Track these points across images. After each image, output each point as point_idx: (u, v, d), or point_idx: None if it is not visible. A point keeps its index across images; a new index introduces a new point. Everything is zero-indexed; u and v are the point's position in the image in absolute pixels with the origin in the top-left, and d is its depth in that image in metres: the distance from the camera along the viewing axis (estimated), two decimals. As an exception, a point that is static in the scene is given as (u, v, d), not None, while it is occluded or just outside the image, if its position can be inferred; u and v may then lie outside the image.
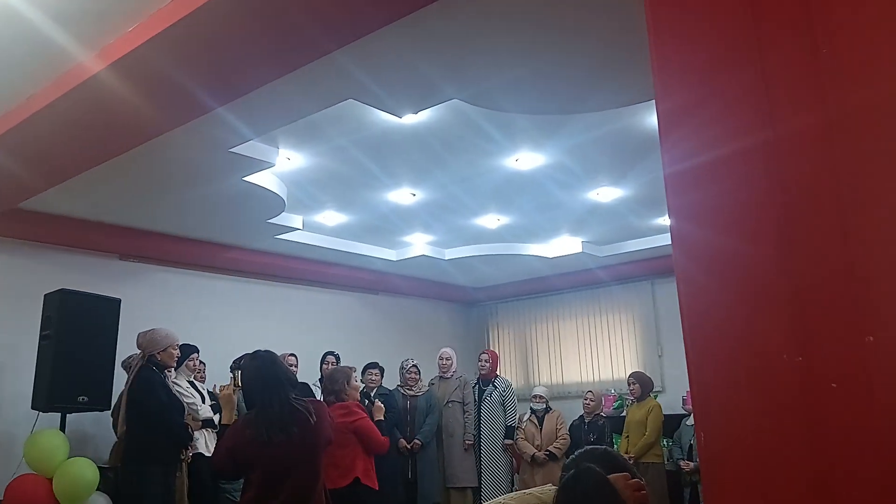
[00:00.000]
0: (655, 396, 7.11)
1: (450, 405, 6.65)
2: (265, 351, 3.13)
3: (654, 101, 4.01)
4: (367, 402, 5.21)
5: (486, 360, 6.88)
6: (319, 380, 6.34)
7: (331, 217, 6.35)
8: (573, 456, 1.74)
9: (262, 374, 3.00)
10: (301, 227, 6.37)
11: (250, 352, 5.68)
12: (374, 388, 6.18)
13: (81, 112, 3.41)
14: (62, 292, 4.88)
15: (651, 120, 4.45)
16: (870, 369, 1.09)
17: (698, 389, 1.30)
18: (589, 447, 1.77)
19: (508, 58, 3.37)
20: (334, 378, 4.21)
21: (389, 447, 4.57)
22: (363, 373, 6.17)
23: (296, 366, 6.04)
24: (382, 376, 6.38)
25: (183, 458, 4.61)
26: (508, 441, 6.65)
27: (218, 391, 4.17)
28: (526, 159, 5.04)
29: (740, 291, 1.26)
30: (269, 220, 5.94)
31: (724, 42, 1.39)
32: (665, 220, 6.81)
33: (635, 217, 6.64)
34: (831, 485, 1.09)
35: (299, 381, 4.06)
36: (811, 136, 1.23)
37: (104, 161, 4.02)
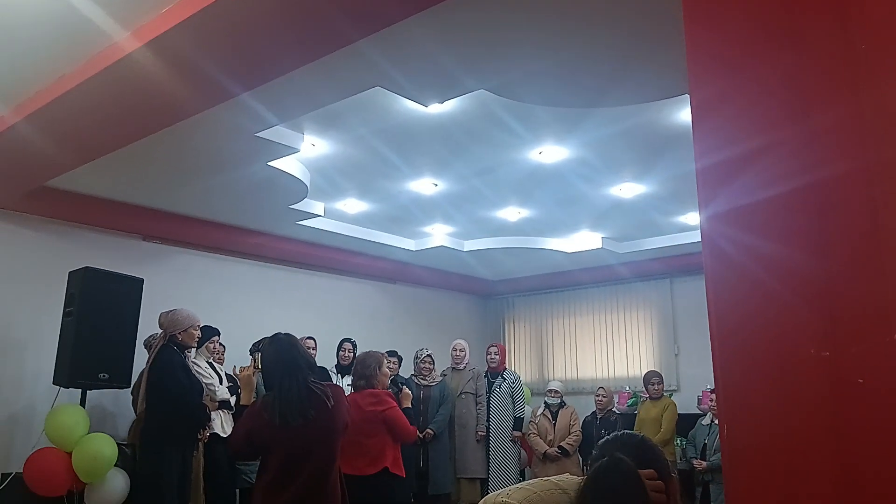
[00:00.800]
0: (670, 395, 7.10)
1: (462, 396, 6.67)
2: (285, 334, 3.14)
3: (679, 97, 3.99)
4: (394, 389, 5.22)
5: (494, 354, 6.92)
6: (336, 366, 6.39)
7: (352, 205, 6.37)
8: (606, 439, 1.67)
9: (281, 356, 3.02)
10: (322, 214, 6.41)
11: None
12: (391, 376, 6.21)
13: (114, 91, 3.45)
14: (86, 270, 4.94)
15: (676, 116, 4.42)
16: (897, 365, 1.09)
17: (723, 381, 1.30)
18: (626, 432, 1.70)
19: (534, 48, 3.36)
20: (366, 363, 4.16)
21: None
22: (381, 361, 6.20)
23: (314, 349, 6.08)
24: (400, 365, 6.42)
25: (200, 437, 4.67)
26: (517, 433, 6.69)
27: (237, 373, 4.21)
28: (550, 152, 5.03)
29: (769, 286, 1.26)
30: (292, 206, 5.97)
31: (760, 33, 1.38)
32: (686, 218, 6.77)
33: (657, 214, 6.61)
34: (856, 478, 1.09)
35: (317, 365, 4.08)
36: (845, 130, 1.22)
37: (134, 140, 4.07)
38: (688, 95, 3.95)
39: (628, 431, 1.73)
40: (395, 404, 4.19)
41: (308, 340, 6.02)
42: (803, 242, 1.24)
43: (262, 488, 3.04)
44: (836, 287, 1.17)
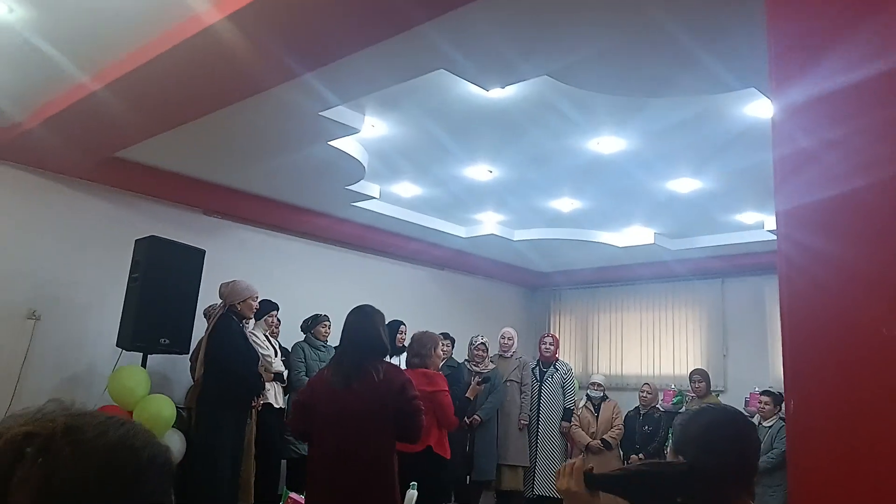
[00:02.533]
0: (717, 395, 7.03)
1: (507, 384, 6.71)
2: (370, 307, 3.21)
3: (743, 91, 3.93)
4: (446, 371, 5.26)
5: (549, 343, 6.97)
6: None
7: (406, 189, 6.45)
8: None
9: (353, 325, 3.13)
10: (378, 197, 6.50)
11: (320, 313, 5.88)
12: (444, 359, 6.29)
13: (193, 62, 3.57)
14: (151, 239, 5.13)
15: (739, 111, 4.37)
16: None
17: (792, 359, 1.32)
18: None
19: (596, 31, 3.33)
20: (423, 342, 4.25)
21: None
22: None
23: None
24: (452, 348, 6.51)
25: (254, 405, 4.82)
26: (566, 423, 6.72)
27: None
28: (607, 143, 5.02)
29: (841, 261, 1.27)
30: (348, 187, 6.08)
31: (843, 18, 1.39)
32: (743, 217, 6.67)
33: (712, 211, 6.53)
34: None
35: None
36: None
37: (208, 112, 4.19)
38: (753, 90, 3.93)
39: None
40: (447, 388, 4.27)
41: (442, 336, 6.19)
42: (880, 229, 1.24)
43: (311, 456, 3.14)
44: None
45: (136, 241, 5.27)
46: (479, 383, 4.95)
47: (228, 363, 4.44)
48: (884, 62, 1.29)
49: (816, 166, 1.34)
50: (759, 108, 4.28)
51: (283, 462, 5.67)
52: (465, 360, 6.67)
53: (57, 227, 5.55)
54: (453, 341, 6.61)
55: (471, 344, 6.69)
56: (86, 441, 0.75)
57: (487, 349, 6.66)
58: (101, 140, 4.97)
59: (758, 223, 6.76)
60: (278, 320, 5.73)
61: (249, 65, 3.46)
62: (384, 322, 3.21)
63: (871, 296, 1.22)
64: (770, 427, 5.74)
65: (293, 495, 3.66)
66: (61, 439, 0.74)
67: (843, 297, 1.25)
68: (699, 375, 6.63)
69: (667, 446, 5.80)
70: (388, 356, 3.26)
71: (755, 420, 6.12)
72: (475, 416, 6.30)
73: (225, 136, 4.99)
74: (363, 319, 3.14)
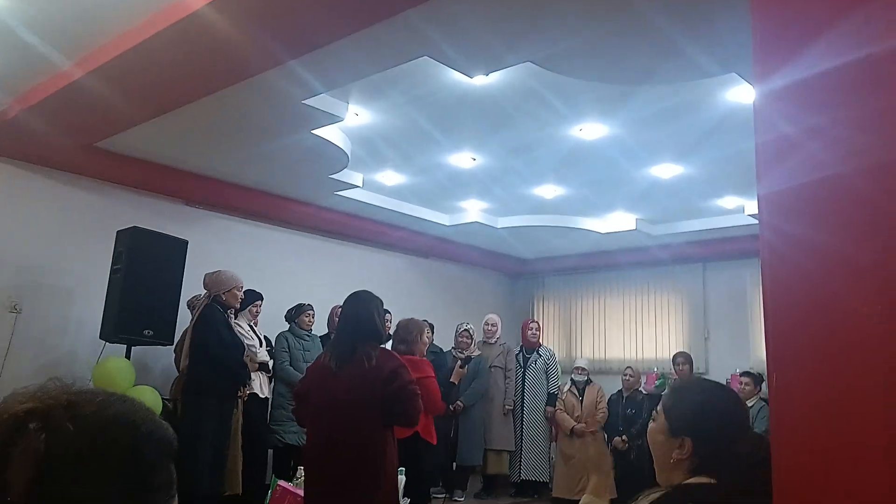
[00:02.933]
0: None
1: (491, 370, 6.77)
2: (366, 292, 3.22)
3: (724, 76, 3.97)
4: (430, 357, 5.32)
5: (536, 329, 7.06)
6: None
7: (390, 177, 6.45)
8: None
9: (349, 310, 3.15)
10: (361, 185, 6.49)
11: (304, 302, 5.88)
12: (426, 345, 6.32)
13: (178, 47, 3.53)
14: (134, 230, 5.10)
15: (721, 96, 4.42)
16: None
17: (774, 337, 1.35)
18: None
19: (580, 21, 3.36)
20: (409, 329, 4.25)
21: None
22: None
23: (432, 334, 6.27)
24: (432, 335, 6.54)
25: (240, 395, 4.82)
26: (550, 408, 6.80)
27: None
28: (590, 129, 5.05)
29: (822, 246, 1.30)
30: (331, 176, 6.07)
31: (828, 4, 1.41)
32: (724, 202, 6.74)
33: (694, 197, 6.59)
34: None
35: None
36: None
37: (193, 99, 4.15)
38: (734, 75, 3.97)
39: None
40: (433, 374, 4.29)
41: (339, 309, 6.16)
42: (862, 219, 1.26)
43: (306, 443, 3.17)
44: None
45: (117, 232, 5.23)
46: (461, 366, 4.99)
47: (214, 353, 4.43)
48: (870, 50, 1.31)
49: (799, 153, 1.37)
50: (741, 94, 4.32)
51: (270, 452, 5.68)
52: (452, 347, 6.71)
53: (38, 218, 5.49)
54: (432, 327, 6.65)
55: (456, 331, 6.73)
56: (86, 415, 0.76)
57: (472, 336, 6.70)
58: (85, 128, 4.92)
59: (738, 207, 6.84)
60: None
61: (234, 51, 3.44)
62: (380, 308, 3.20)
63: (852, 280, 1.25)
64: (751, 408, 5.84)
65: (281, 483, 3.67)
66: (63, 414, 0.75)
67: (825, 281, 1.28)
68: (682, 358, 6.73)
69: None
70: (382, 342, 3.26)
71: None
72: (458, 403, 6.34)
73: (208, 126, 4.96)
74: (357, 304, 3.16)
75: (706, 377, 7.41)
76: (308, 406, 3.13)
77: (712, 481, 1.52)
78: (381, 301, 3.24)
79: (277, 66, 3.63)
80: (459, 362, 5.09)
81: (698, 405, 1.64)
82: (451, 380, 4.71)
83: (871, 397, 1.20)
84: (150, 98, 4.28)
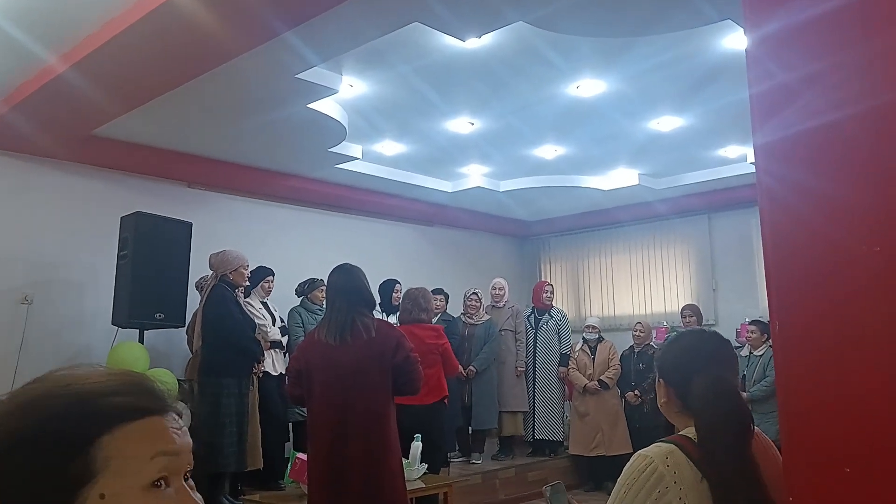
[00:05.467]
0: (709, 329, 7.16)
1: (502, 333, 6.81)
2: (349, 264, 3.25)
3: (720, 23, 3.91)
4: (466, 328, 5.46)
5: (550, 292, 7.12)
6: (379, 304, 6.56)
7: (389, 147, 6.42)
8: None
9: (338, 283, 3.16)
10: (360, 157, 6.47)
11: (316, 277, 5.92)
12: (438, 313, 6.36)
13: (159, 35, 3.51)
14: (137, 215, 5.11)
15: (717, 44, 4.36)
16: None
17: (774, 282, 1.35)
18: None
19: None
20: (415, 297, 4.40)
21: None
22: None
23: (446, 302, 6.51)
24: (447, 304, 6.60)
25: (255, 371, 4.87)
26: (563, 368, 6.86)
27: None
28: (587, 86, 5.01)
29: (820, 191, 1.30)
30: (330, 150, 6.05)
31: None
32: (726, 151, 6.70)
33: (695, 148, 6.55)
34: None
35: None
36: None
37: (179, 84, 4.15)
38: (729, 21, 3.91)
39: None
40: (447, 341, 4.42)
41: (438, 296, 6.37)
42: (858, 164, 1.26)
43: (311, 419, 3.17)
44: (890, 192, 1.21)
45: (121, 218, 5.25)
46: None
47: (225, 332, 4.47)
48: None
49: (793, 101, 1.36)
50: (736, 41, 4.27)
51: (290, 425, 5.76)
52: (461, 313, 6.75)
53: (41, 209, 5.51)
54: (447, 296, 6.69)
55: (464, 296, 6.76)
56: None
57: (481, 300, 6.74)
58: (75, 120, 4.91)
59: (741, 157, 6.79)
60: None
61: (217, 32, 3.41)
62: (366, 276, 3.25)
63: (850, 222, 1.25)
64: (761, 356, 5.86)
65: (300, 455, 3.73)
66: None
67: (824, 226, 1.28)
68: (690, 310, 6.76)
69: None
70: (375, 308, 3.30)
71: (745, 349, 6.26)
72: (471, 367, 6.40)
73: (202, 106, 4.94)
74: (347, 275, 3.19)
75: (715, 328, 7.47)
76: (309, 384, 3.11)
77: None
78: (363, 270, 3.28)
79: (265, 41, 3.60)
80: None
81: (667, 348, 1.75)
82: None
83: (873, 336, 1.21)
84: (134, 87, 4.27)
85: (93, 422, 0.71)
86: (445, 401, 4.43)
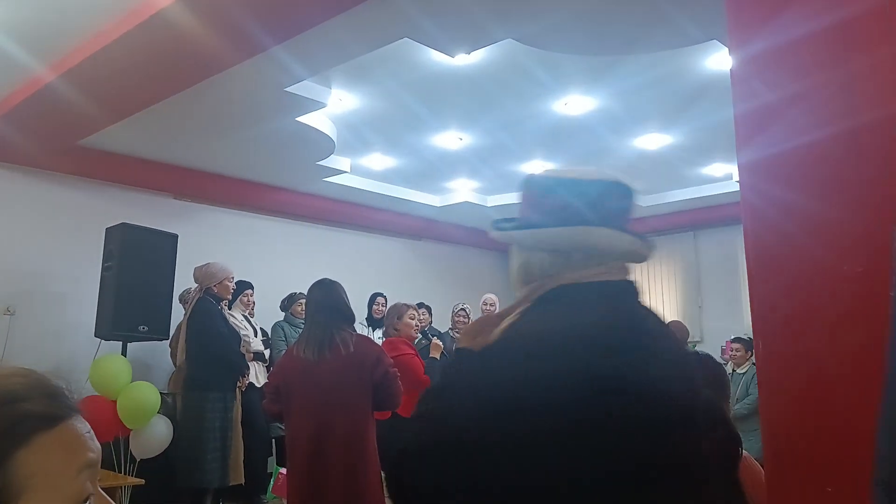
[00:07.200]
0: (693, 346, 7.18)
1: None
2: (329, 280, 3.25)
3: (706, 43, 3.95)
4: (425, 341, 5.32)
5: None
6: (367, 318, 6.53)
7: (378, 161, 6.43)
8: None
9: (317, 298, 3.15)
10: (349, 171, 6.47)
11: (295, 291, 5.88)
12: (423, 327, 6.33)
13: (149, 46, 3.50)
14: (123, 226, 5.07)
15: (703, 64, 4.41)
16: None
17: (758, 301, 1.36)
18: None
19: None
20: (389, 314, 4.35)
21: None
22: (410, 313, 6.35)
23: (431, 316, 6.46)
24: (431, 317, 6.57)
25: (239, 385, 4.83)
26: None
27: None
28: (575, 103, 5.04)
29: (803, 210, 1.31)
30: (319, 163, 6.04)
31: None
32: (711, 170, 6.75)
33: (682, 165, 6.60)
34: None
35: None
36: (886, 74, 1.24)
37: (168, 96, 4.14)
38: (715, 42, 3.96)
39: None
40: (410, 352, 4.28)
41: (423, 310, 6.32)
42: (841, 182, 1.27)
43: (290, 434, 3.14)
44: (868, 212, 1.23)
45: (106, 229, 5.20)
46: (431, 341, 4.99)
47: (210, 345, 4.44)
48: (842, 14, 1.31)
49: (776, 121, 1.37)
50: (721, 61, 4.31)
51: (272, 440, 5.70)
52: (449, 328, 6.74)
53: (25, 220, 5.46)
54: (430, 309, 6.67)
55: (453, 311, 6.74)
56: None
57: (469, 315, 6.72)
58: (62, 130, 4.88)
59: (727, 175, 6.85)
60: (253, 302, 5.72)
61: (207, 45, 3.40)
62: (345, 292, 3.24)
63: (833, 241, 1.26)
64: (744, 374, 5.88)
65: (283, 471, 3.69)
66: None
67: (807, 246, 1.29)
68: (675, 327, 6.78)
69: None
70: (355, 323, 3.28)
71: (728, 368, 6.27)
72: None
73: (190, 119, 4.93)
74: (326, 290, 3.18)
75: (700, 345, 7.49)
76: (288, 400, 3.10)
77: None
78: (342, 286, 3.28)
79: (255, 55, 3.60)
80: (435, 337, 5.13)
81: None
82: (430, 355, 4.68)
83: (855, 355, 1.22)
84: (122, 99, 4.27)
85: (7, 434, 0.65)
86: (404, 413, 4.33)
